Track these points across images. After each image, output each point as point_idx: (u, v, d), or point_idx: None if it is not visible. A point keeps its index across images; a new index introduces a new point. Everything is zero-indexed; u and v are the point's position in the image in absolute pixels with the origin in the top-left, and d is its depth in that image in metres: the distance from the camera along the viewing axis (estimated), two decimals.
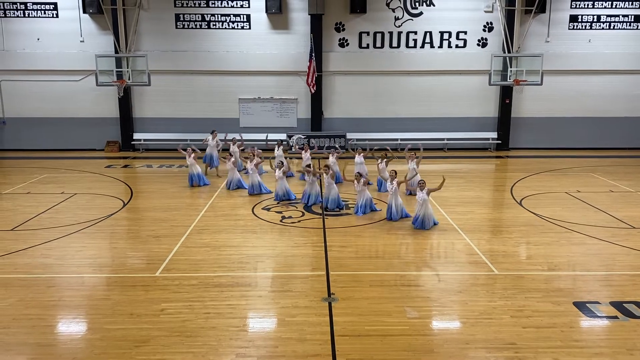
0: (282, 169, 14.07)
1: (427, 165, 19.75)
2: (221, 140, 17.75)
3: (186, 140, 21.90)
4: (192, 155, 15.64)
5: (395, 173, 12.34)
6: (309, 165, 14.34)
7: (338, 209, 13.16)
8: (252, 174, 14.63)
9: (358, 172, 13.33)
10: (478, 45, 22.11)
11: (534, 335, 6.97)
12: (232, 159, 15.44)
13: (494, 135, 22.80)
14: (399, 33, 21.99)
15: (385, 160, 14.89)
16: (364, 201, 12.79)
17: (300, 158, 16.58)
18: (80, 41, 21.58)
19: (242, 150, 17.40)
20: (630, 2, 21.78)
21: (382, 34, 21.99)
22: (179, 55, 21.89)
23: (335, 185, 13.34)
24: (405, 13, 21.85)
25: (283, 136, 21.51)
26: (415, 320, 7.44)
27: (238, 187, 15.32)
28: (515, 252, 10.31)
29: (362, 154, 15.63)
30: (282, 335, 6.99)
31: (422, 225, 11.49)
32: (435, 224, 11.76)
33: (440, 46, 22.13)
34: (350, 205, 13.38)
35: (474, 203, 13.99)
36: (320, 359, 6.46)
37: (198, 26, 21.78)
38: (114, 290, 8.45)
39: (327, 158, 16.01)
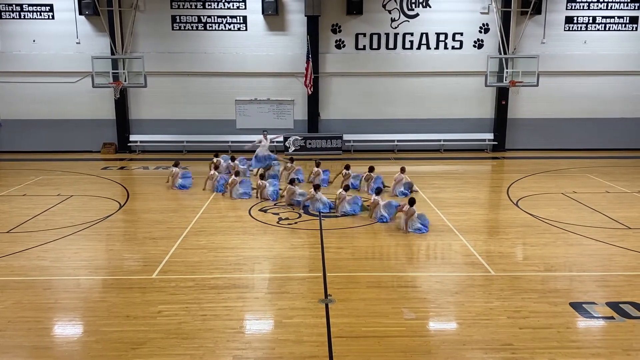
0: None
1: (425, 166, 19.85)
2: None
3: (182, 142, 21.96)
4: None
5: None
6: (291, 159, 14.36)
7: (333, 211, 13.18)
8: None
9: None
10: (474, 46, 22.17)
11: (530, 336, 6.98)
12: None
13: (490, 136, 22.86)
14: (395, 34, 22.04)
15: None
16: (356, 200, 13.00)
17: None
18: (77, 43, 21.58)
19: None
20: (625, 4, 21.89)
21: (379, 35, 22.03)
22: (176, 56, 21.87)
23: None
24: (401, 14, 21.89)
25: (280, 138, 21.55)
26: (412, 321, 7.44)
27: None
28: (512, 252, 10.33)
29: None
30: (279, 337, 6.99)
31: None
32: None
33: (437, 47, 22.18)
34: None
35: (471, 204, 14.01)
36: None
37: (194, 28, 21.78)
38: (111, 292, 8.43)
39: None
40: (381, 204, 12.37)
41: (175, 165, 16.00)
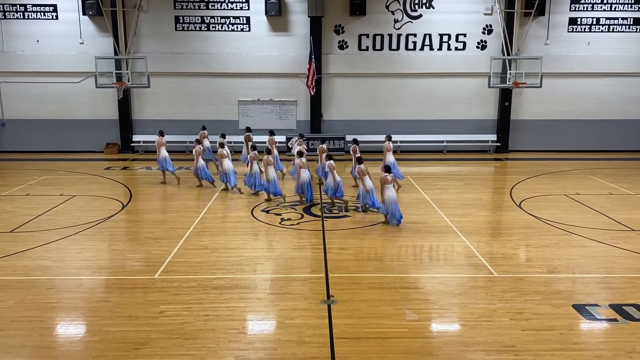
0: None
1: (428, 168, 19.86)
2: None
3: (185, 142, 21.98)
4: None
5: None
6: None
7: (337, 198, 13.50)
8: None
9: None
10: (477, 47, 22.13)
11: (533, 337, 6.96)
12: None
13: (494, 137, 22.82)
14: (399, 35, 22.02)
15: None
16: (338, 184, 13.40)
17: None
18: (80, 43, 21.63)
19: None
20: (629, 5, 21.84)
21: (382, 36, 22.02)
22: (179, 57, 21.91)
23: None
24: (404, 15, 21.88)
25: (282, 138, 21.55)
26: (415, 322, 7.43)
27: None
28: (515, 254, 10.30)
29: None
30: (281, 338, 6.98)
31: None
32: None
33: (440, 49, 22.15)
34: (350, 208, 13.40)
35: (474, 205, 13.99)
36: None
37: (198, 28, 21.81)
38: (113, 292, 8.44)
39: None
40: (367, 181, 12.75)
41: (161, 134, 16.32)
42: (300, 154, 14.08)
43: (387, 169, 12.31)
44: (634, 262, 9.79)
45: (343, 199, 13.62)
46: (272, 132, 17.30)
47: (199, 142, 15.98)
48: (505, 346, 6.75)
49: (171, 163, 16.32)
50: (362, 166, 12.78)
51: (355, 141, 15.87)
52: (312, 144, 21.87)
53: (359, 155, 14.34)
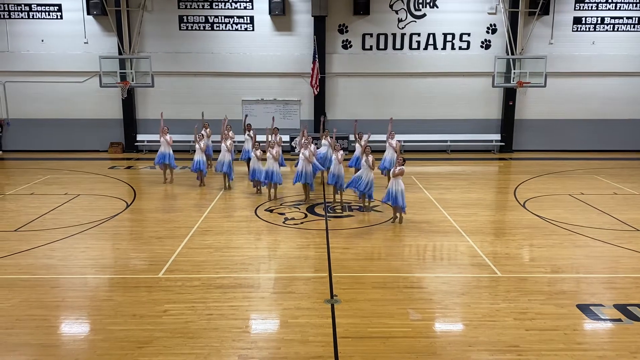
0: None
1: (431, 167, 19.84)
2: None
3: (189, 142, 22.02)
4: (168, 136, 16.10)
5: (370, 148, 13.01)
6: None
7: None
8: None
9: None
10: (481, 47, 22.10)
11: (537, 337, 6.94)
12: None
13: (498, 137, 22.78)
14: (402, 35, 22.01)
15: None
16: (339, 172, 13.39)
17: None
18: (84, 43, 21.71)
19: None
20: (634, 4, 21.76)
21: (386, 35, 22.01)
22: (183, 56, 21.95)
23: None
24: (408, 15, 21.86)
25: (285, 137, 21.56)
26: (418, 322, 7.42)
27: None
28: (519, 254, 10.29)
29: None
30: (285, 337, 6.99)
31: (395, 201, 11.73)
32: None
33: (444, 48, 22.13)
34: (353, 207, 13.40)
35: (477, 205, 13.97)
36: None
37: (202, 28, 21.85)
38: (117, 291, 8.46)
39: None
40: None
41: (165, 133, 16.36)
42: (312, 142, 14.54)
43: (404, 161, 12.20)
44: (638, 262, 9.76)
45: (345, 200, 13.63)
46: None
47: (204, 136, 16.17)
48: (509, 346, 6.74)
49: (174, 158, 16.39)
50: (371, 156, 12.79)
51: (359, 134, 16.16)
52: (316, 144, 21.84)
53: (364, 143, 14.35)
